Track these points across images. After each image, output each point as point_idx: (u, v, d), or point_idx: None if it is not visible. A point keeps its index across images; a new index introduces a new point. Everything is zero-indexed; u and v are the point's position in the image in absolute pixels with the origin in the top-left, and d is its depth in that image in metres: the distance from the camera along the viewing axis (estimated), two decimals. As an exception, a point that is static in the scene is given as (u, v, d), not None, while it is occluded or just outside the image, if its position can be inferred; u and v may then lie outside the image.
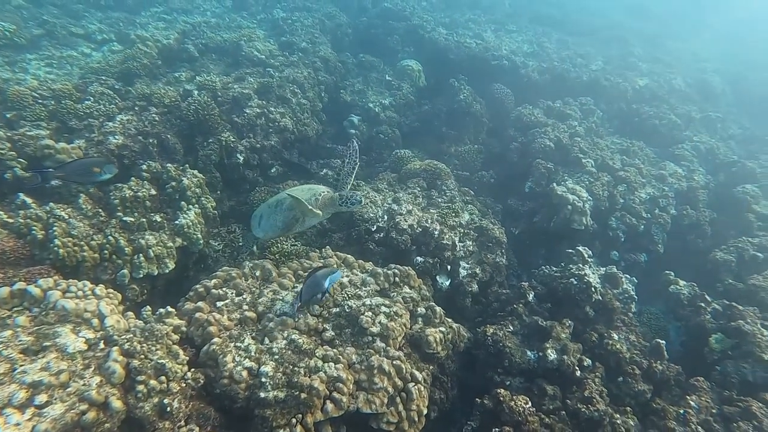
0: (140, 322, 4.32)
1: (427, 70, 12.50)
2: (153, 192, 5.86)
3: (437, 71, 12.58)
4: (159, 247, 5.47)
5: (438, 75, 12.40)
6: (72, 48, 9.01)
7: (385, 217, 7.04)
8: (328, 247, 6.36)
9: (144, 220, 5.55)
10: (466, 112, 11.12)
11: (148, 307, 4.61)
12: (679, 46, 19.49)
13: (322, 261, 5.92)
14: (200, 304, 4.85)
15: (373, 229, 6.87)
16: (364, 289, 5.60)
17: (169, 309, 4.55)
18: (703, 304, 6.87)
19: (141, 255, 5.25)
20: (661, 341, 6.00)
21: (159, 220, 5.72)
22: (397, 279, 5.90)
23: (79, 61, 8.69)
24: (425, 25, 14.01)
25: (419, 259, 6.67)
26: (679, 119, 12.72)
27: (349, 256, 6.07)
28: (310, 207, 5.30)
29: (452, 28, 14.92)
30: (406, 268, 6.04)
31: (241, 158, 7.73)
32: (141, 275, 5.23)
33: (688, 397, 5.60)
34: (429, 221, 6.98)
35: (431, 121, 11.31)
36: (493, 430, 4.68)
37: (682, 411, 5.37)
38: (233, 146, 7.66)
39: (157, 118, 7.17)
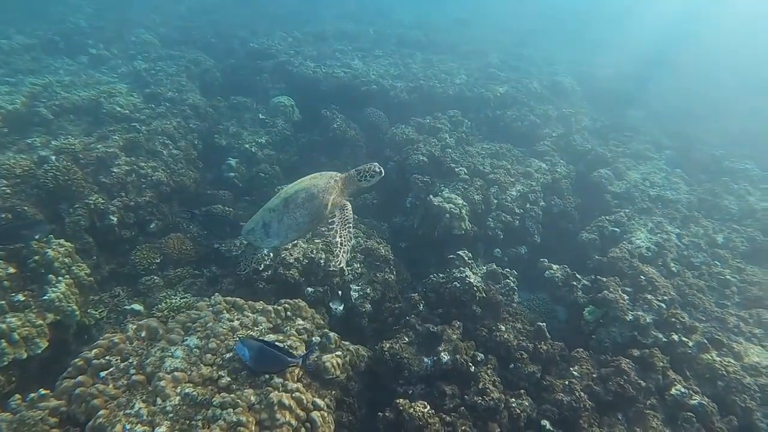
0: (7, 414, 4.09)
1: (301, 103, 12.85)
2: (11, 270, 5.54)
3: (311, 103, 12.98)
4: (26, 328, 5.17)
5: (312, 107, 12.80)
6: None
7: (271, 254, 7.17)
8: (217, 294, 6.35)
9: (3, 302, 5.24)
10: (342, 139, 11.59)
11: (17, 395, 4.37)
12: (531, 53, 21.63)
13: (210, 309, 5.91)
14: (81, 378, 4.65)
15: (260, 269, 6.96)
16: (256, 329, 5.68)
17: (43, 392, 4.35)
18: (574, 283, 7.69)
19: (2, 340, 4.95)
20: (541, 324, 6.60)
21: (22, 298, 5.41)
22: (288, 313, 6.05)
23: None
24: (293, 61, 14.44)
25: (309, 289, 6.86)
26: (539, 119, 14.13)
27: (238, 299, 6.09)
28: (335, 187, 5.22)
29: (320, 60, 15.47)
30: (297, 300, 6.21)
31: (115, 219, 7.50)
32: (5, 362, 4.92)
33: (571, 369, 6.24)
34: (314, 252, 7.21)
35: (310, 153, 11.65)
36: (398, 438, 4.94)
37: (567, 382, 5.98)
38: (104, 208, 7.42)
39: (8, 191, 6.79)
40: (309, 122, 12.58)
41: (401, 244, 9.34)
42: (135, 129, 9.19)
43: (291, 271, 6.89)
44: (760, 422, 5.94)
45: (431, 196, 9.06)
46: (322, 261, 7.13)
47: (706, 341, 6.74)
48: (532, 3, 34.71)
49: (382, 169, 5.44)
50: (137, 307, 6.61)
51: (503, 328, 6.60)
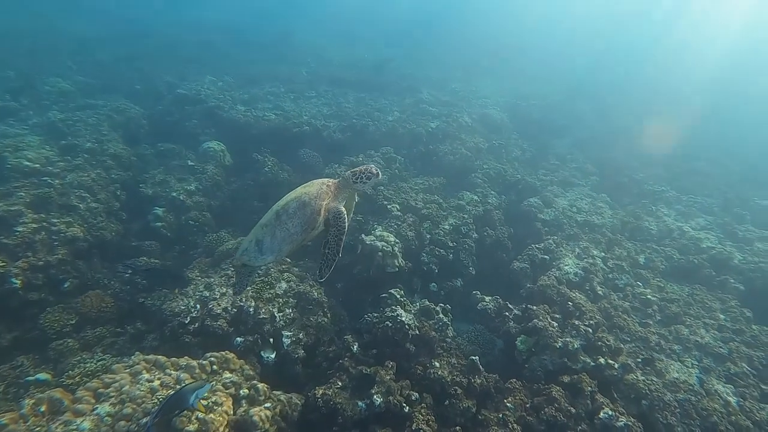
0: None
1: (233, 147, 12.78)
2: None
3: (242, 147, 12.91)
4: None
5: (244, 151, 12.72)
6: None
7: (198, 306, 6.98)
8: (137, 352, 6.09)
9: None
10: (275, 182, 11.56)
11: None
12: (462, 87, 22.51)
13: (127, 371, 5.65)
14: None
15: (186, 322, 6.75)
16: (179, 387, 5.48)
17: None
18: (506, 313, 7.88)
19: None
20: (474, 358, 6.68)
21: None
22: (215, 367, 5.87)
23: None
24: (223, 105, 14.42)
25: (239, 339, 6.69)
26: (470, 152, 14.62)
27: (160, 357, 5.85)
28: (327, 192, 4.95)
29: (251, 104, 15.51)
30: (224, 353, 6.04)
31: (18, 282, 7.07)
32: None
33: (505, 400, 6.34)
34: (243, 300, 7.08)
35: (242, 197, 11.53)
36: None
37: (501, 415, 6.06)
38: (4, 271, 7.00)
39: None
40: (241, 167, 12.50)
41: (338, 284, 9.32)
42: (46, 183, 8.76)
43: (219, 322, 6.71)
44: (682, 437, 6.24)
45: (362, 236, 9.13)
46: (251, 309, 6.99)
47: (630, 362, 7.05)
48: (458, 37, 36.40)
49: (379, 171, 5.24)
50: (43, 376, 6.12)
51: (438, 364, 6.65)
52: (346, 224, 5.04)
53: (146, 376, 5.50)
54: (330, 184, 5.21)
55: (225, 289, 7.32)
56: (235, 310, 6.94)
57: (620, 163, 17.31)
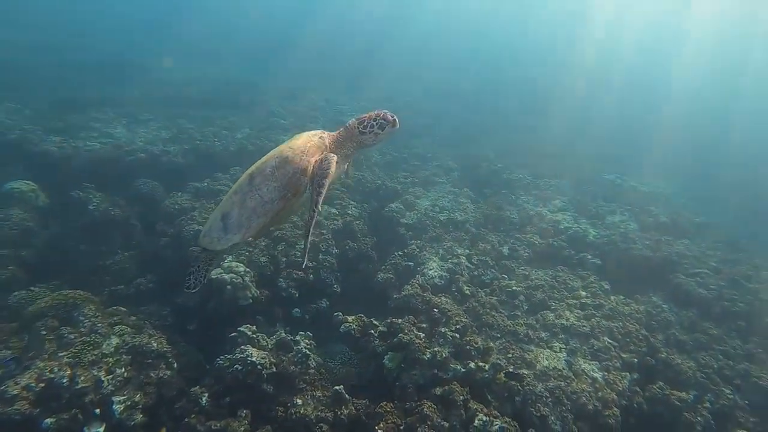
0: None
1: (49, 186, 11.26)
2: None
3: (62, 185, 11.42)
4: None
5: (64, 189, 11.27)
6: None
7: (-10, 387, 5.80)
8: None
9: None
10: (106, 220, 10.36)
11: None
12: (317, 97, 22.30)
13: None
14: None
15: (-30, 413, 5.56)
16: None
17: None
18: (372, 331, 7.57)
19: None
20: (338, 387, 6.27)
21: None
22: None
23: None
24: (31, 137, 12.72)
25: (48, 421, 5.61)
26: (325, 162, 14.33)
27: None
28: (319, 146, 4.02)
29: (70, 133, 13.88)
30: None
31: None
32: None
33: (376, 427, 5.99)
34: (55, 370, 6.01)
35: (65, 243, 10.13)
36: None
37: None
38: None
39: None
40: (62, 207, 11.00)
41: (190, 326, 8.46)
42: None
43: (17, 406, 5.59)
44: (554, 425, 6.38)
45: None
46: (65, 380, 5.95)
47: (501, 360, 7.10)
48: (311, 48, 36.53)
49: (396, 118, 4.20)
50: None
51: (300, 401, 6.16)
52: (334, 170, 4.02)
53: None
54: (325, 136, 4.29)
55: (30, 362, 6.18)
56: (43, 385, 5.85)
57: (480, 157, 18.08)
